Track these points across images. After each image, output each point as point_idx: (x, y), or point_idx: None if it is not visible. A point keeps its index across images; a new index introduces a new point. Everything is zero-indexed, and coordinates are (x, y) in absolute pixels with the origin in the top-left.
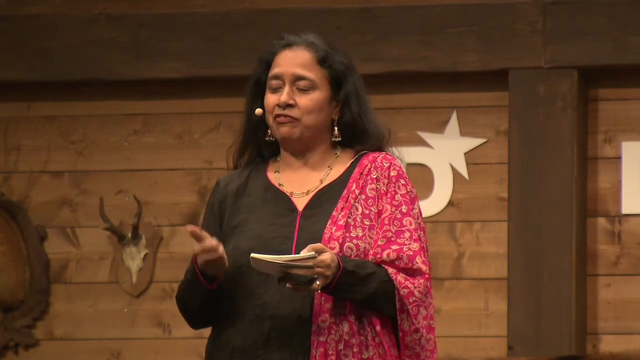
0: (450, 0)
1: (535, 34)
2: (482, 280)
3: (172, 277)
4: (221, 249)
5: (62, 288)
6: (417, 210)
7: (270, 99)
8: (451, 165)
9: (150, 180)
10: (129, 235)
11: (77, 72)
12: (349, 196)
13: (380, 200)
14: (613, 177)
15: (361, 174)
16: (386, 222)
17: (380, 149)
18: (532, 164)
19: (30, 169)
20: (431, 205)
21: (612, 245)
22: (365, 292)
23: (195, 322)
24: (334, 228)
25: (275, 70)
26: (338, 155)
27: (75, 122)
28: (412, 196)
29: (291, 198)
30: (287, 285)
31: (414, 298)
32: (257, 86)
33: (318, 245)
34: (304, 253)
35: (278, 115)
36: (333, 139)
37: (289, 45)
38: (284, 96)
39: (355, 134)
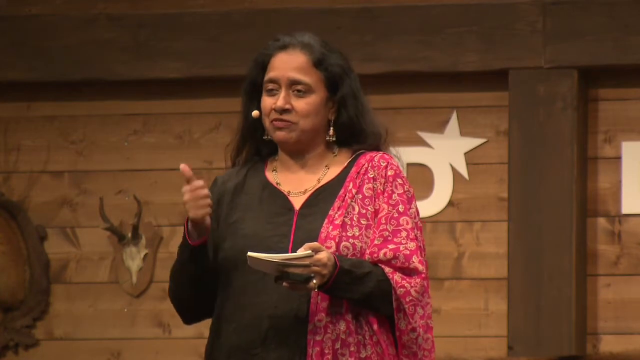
0: (450, 0)
1: (535, 34)
2: (482, 280)
3: None
4: (206, 190)
5: (62, 288)
6: (414, 210)
7: (267, 102)
8: (451, 165)
9: (150, 180)
10: (129, 235)
11: (77, 72)
12: (345, 195)
13: (377, 200)
14: (613, 177)
15: (358, 173)
16: (383, 221)
17: (377, 148)
18: (532, 164)
19: (30, 169)
20: (431, 205)
21: (612, 245)
22: (361, 291)
23: (185, 311)
24: (331, 227)
25: (271, 74)
26: (336, 155)
27: (75, 122)
28: (409, 195)
29: (288, 197)
30: (284, 284)
31: (411, 297)
32: (252, 86)
33: (315, 244)
34: (301, 252)
35: (275, 120)
36: (328, 139)
37: (284, 47)
38: (280, 101)
39: (352, 134)
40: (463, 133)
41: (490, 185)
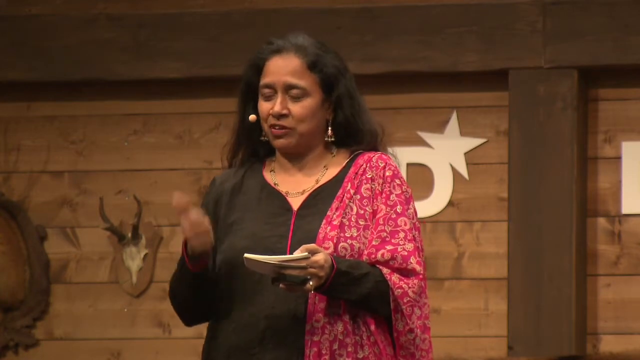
0: (450, 0)
1: (535, 34)
2: (482, 280)
3: None
4: (206, 221)
5: (62, 288)
6: (412, 210)
7: (264, 106)
8: (451, 165)
9: (150, 180)
10: (129, 235)
11: (77, 72)
12: (343, 196)
13: (375, 200)
14: (613, 177)
15: (356, 173)
16: (381, 222)
17: (375, 148)
18: (532, 164)
19: (30, 169)
20: (431, 205)
21: (612, 245)
22: (359, 292)
23: (186, 315)
24: (329, 228)
25: (266, 79)
26: (334, 155)
27: (75, 122)
28: (407, 196)
29: (286, 197)
30: (281, 285)
31: (408, 298)
32: (248, 88)
33: (312, 245)
34: (298, 254)
35: (273, 125)
36: (326, 139)
37: (278, 51)
38: (277, 106)
39: (349, 133)
40: (463, 133)
41: (490, 185)
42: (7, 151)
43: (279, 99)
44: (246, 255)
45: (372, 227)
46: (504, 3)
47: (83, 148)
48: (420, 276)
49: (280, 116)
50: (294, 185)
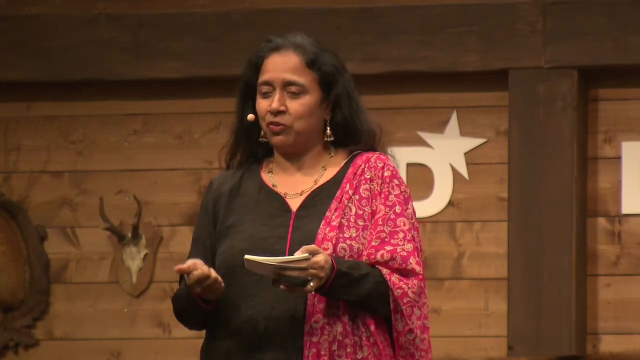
0: (450, 0)
1: (535, 34)
2: (482, 280)
3: (172, 277)
4: (213, 273)
5: (62, 288)
6: (410, 211)
7: (262, 104)
8: (451, 165)
9: (150, 180)
10: (129, 235)
11: (77, 72)
12: (342, 196)
13: (374, 201)
14: (613, 177)
15: (355, 174)
16: (380, 222)
17: (373, 148)
18: (532, 164)
19: (30, 169)
20: (431, 205)
21: (612, 245)
22: (359, 293)
23: (191, 327)
24: (328, 229)
25: (265, 76)
26: (332, 156)
27: (75, 122)
28: (406, 196)
29: (285, 199)
30: (281, 286)
31: (408, 299)
32: (247, 88)
33: (312, 246)
34: (298, 255)
35: (270, 123)
36: (325, 139)
37: (276, 48)
38: (275, 103)
39: (347, 133)
40: (463, 133)
41: (490, 185)
42: (7, 151)
43: (276, 96)
44: (246, 256)
45: (371, 228)
46: (504, 3)
47: (83, 148)
48: (420, 276)
49: (278, 113)
50: (293, 186)
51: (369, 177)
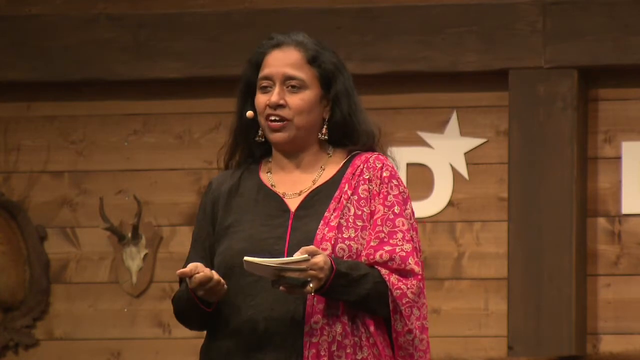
0: (450, 0)
1: (535, 34)
2: (482, 280)
3: (172, 277)
4: (216, 275)
5: (62, 288)
6: (409, 211)
7: (261, 99)
8: (451, 165)
9: (150, 180)
10: (129, 235)
11: (77, 72)
12: (341, 197)
13: (372, 201)
14: (613, 177)
15: (353, 174)
16: (379, 223)
17: (371, 148)
18: (532, 164)
19: (30, 169)
20: (431, 205)
21: (612, 245)
22: (358, 293)
23: (191, 327)
24: (327, 229)
25: (265, 70)
26: (330, 156)
27: (75, 122)
28: (405, 197)
29: (284, 199)
30: (281, 288)
31: (407, 299)
32: (247, 87)
33: (311, 247)
34: (297, 256)
35: (269, 116)
36: (320, 137)
37: (278, 45)
38: (274, 96)
39: (346, 133)
40: (463, 133)
41: (490, 185)
42: (7, 151)
43: (276, 90)
44: (246, 258)
45: (369, 228)
46: (504, 3)
47: (83, 148)
48: (419, 277)
49: (277, 106)
50: (291, 186)
51: (367, 177)
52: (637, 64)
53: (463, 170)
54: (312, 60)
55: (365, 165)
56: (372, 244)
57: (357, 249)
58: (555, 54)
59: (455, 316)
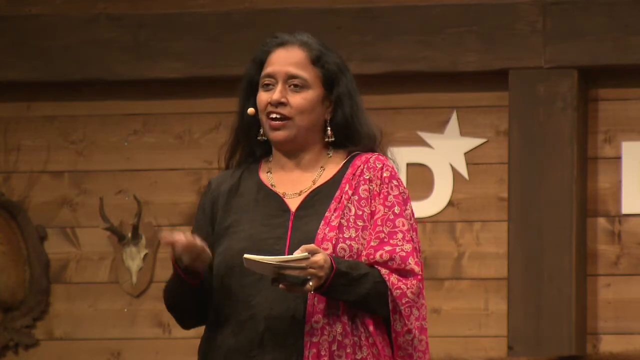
0: (450, 0)
1: (535, 34)
2: (482, 280)
3: None
4: (199, 240)
5: (62, 288)
6: (409, 211)
7: (263, 96)
8: (451, 165)
9: (150, 180)
10: (129, 235)
11: (77, 72)
12: (341, 197)
13: (373, 201)
14: (613, 177)
15: (354, 174)
16: (379, 223)
17: (372, 149)
18: (532, 164)
19: (30, 169)
20: (431, 205)
21: (612, 245)
22: (358, 292)
23: (183, 321)
24: (327, 229)
25: (268, 69)
26: (330, 156)
27: (75, 122)
28: (405, 197)
29: (284, 199)
30: (280, 286)
31: (407, 299)
32: (249, 85)
33: (311, 246)
34: (297, 254)
35: (270, 113)
36: (326, 140)
37: (282, 44)
38: (276, 94)
39: (347, 134)
40: (463, 133)
41: (490, 185)
42: (7, 151)
43: (278, 88)
44: (246, 255)
45: (370, 228)
46: (504, 3)
47: (83, 148)
48: (419, 277)
49: (278, 104)
50: (291, 185)
51: (368, 177)
52: (637, 64)
53: (463, 170)
54: (316, 61)
55: (366, 166)
56: (372, 243)
57: (357, 248)
58: (555, 54)
59: (455, 316)
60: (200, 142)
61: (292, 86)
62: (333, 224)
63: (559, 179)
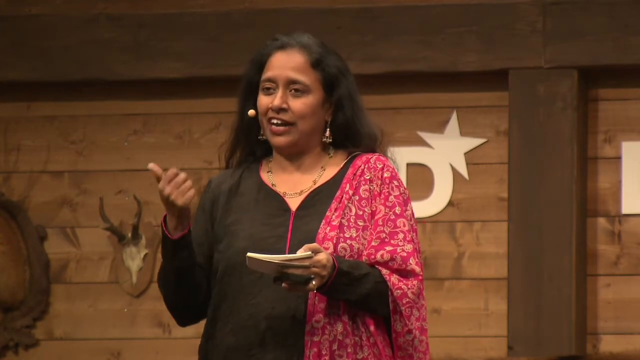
0: (450, 0)
1: (535, 34)
2: (482, 280)
3: None
4: (182, 173)
5: (62, 288)
6: (410, 212)
7: (263, 100)
8: (451, 165)
9: (150, 180)
10: (129, 235)
11: (77, 72)
12: (342, 197)
13: (373, 201)
14: (613, 177)
15: (354, 175)
16: (380, 223)
17: (373, 150)
18: (532, 164)
19: (30, 169)
20: (431, 205)
21: (612, 245)
22: (359, 292)
23: (179, 313)
24: (328, 228)
25: (268, 73)
26: (331, 157)
27: (75, 122)
28: (405, 197)
29: (284, 198)
30: (283, 285)
31: (407, 299)
32: (249, 87)
33: (314, 245)
34: (300, 253)
35: (271, 119)
36: (324, 140)
37: (282, 47)
38: (277, 100)
39: (348, 135)
40: (463, 133)
41: (490, 185)
42: (7, 151)
43: (279, 93)
44: (249, 254)
45: (370, 228)
46: (504, 3)
47: (83, 148)
48: (420, 277)
49: (279, 110)
50: (292, 185)
51: (368, 177)
52: (637, 64)
53: (463, 170)
54: (316, 64)
55: (366, 166)
56: (373, 244)
57: (358, 248)
58: (555, 54)
59: (455, 316)
60: (200, 142)
61: (292, 91)
62: (334, 223)
63: (559, 179)
